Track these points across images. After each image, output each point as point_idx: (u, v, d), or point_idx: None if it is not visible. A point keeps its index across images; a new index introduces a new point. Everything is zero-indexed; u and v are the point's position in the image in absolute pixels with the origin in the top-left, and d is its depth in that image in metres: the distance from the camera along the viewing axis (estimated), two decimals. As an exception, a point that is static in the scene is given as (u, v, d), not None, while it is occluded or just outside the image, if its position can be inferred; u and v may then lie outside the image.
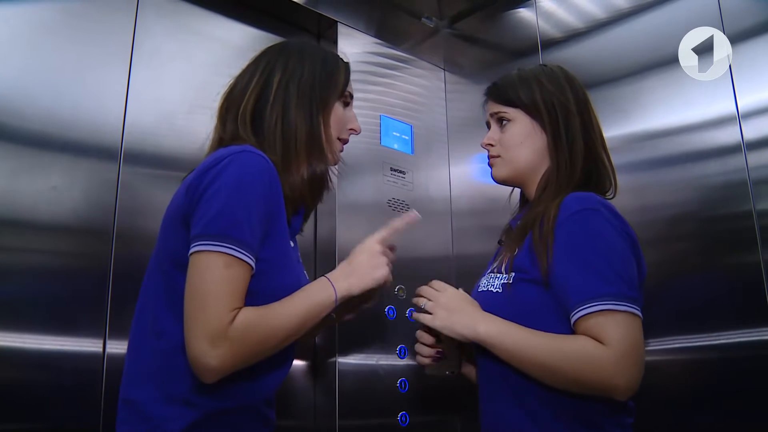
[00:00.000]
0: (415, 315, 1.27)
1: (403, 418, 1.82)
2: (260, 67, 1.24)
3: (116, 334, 1.43)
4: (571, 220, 1.13)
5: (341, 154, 1.33)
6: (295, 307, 1.09)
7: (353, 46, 2.06)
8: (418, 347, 1.33)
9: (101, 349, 1.43)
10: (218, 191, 1.03)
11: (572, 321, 1.08)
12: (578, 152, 1.24)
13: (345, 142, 1.32)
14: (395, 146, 2.08)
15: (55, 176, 1.43)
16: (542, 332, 1.10)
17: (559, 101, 1.27)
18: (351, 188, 1.91)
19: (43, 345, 1.36)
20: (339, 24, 2.03)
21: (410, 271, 1.95)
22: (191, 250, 1.02)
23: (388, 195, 2.01)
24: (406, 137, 2.13)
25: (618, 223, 1.13)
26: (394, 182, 2.04)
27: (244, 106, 1.20)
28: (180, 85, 1.70)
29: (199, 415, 1.04)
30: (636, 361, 1.04)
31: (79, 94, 1.50)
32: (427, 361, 1.32)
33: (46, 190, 1.41)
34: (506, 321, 1.14)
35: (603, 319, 1.04)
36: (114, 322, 1.44)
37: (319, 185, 1.23)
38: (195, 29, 1.80)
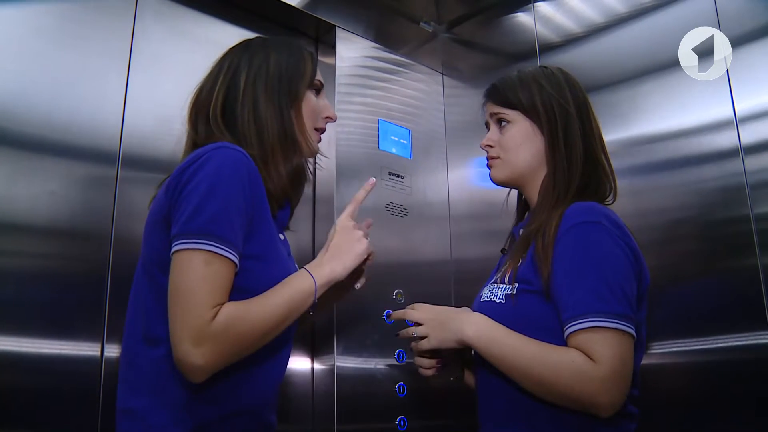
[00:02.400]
0: (413, 345, 1.28)
1: (402, 423, 1.81)
2: (225, 67, 1.24)
3: (114, 337, 1.43)
4: (571, 233, 1.12)
5: (319, 144, 1.32)
6: (277, 298, 1.07)
7: (352, 50, 2.06)
8: (419, 360, 1.32)
9: (99, 353, 1.43)
10: (195, 189, 1.03)
11: (565, 335, 1.08)
12: (577, 156, 1.23)
13: (322, 131, 1.31)
14: (393, 150, 2.08)
15: (54, 180, 1.43)
16: (534, 340, 1.10)
17: (558, 104, 1.26)
18: (349, 192, 1.91)
19: (40, 349, 1.35)
20: (337, 28, 2.03)
21: (408, 276, 1.96)
22: (172, 250, 1.01)
23: (387, 199, 2.01)
24: (405, 141, 2.13)
25: (619, 234, 1.12)
26: (392, 186, 2.04)
27: (213, 108, 1.19)
28: (178, 89, 1.68)
29: (201, 420, 1.04)
30: (622, 380, 1.04)
31: (77, 99, 1.50)
32: (429, 372, 1.32)
33: (44, 194, 1.41)
34: (496, 323, 1.14)
35: (593, 336, 1.04)
36: (112, 325, 1.43)
37: (298, 178, 1.23)
38: (193, 33, 1.80)
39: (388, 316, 1.28)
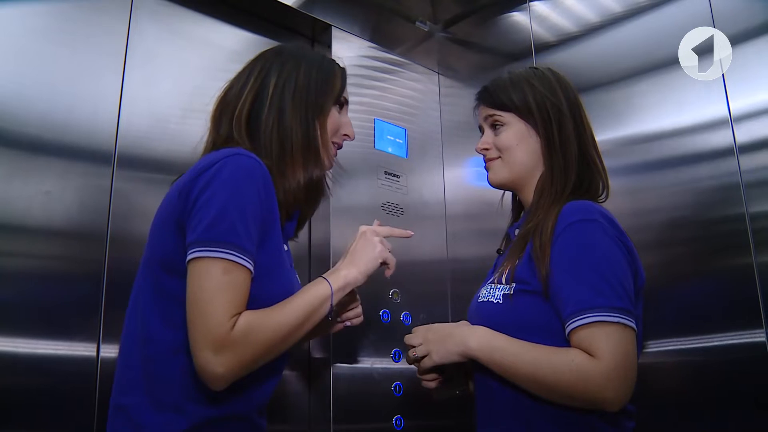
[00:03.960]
0: (417, 364, 1.27)
1: (398, 422, 1.82)
2: (256, 71, 1.23)
3: (110, 338, 1.42)
4: (568, 231, 1.12)
5: (335, 158, 1.32)
6: (294, 305, 1.08)
7: (347, 49, 2.06)
8: (424, 382, 1.32)
9: (95, 353, 1.42)
10: (213, 196, 1.03)
11: (566, 333, 1.08)
12: (572, 155, 1.23)
13: (339, 147, 1.32)
14: (389, 150, 2.09)
15: (49, 180, 1.43)
16: (534, 344, 1.10)
17: (551, 103, 1.26)
18: (345, 192, 1.91)
19: (36, 349, 1.35)
20: (333, 28, 2.04)
21: (405, 275, 1.95)
22: (189, 257, 1.01)
23: (383, 199, 2.01)
24: (401, 141, 2.13)
25: (615, 233, 1.13)
26: (388, 186, 2.04)
27: (239, 110, 1.19)
28: (174, 89, 1.70)
29: (191, 423, 1.03)
30: (626, 373, 1.04)
31: (73, 99, 1.50)
32: (433, 384, 1.32)
33: (39, 194, 1.41)
34: (497, 333, 1.14)
35: (594, 331, 1.04)
36: (108, 326, 1.43)
37: (315, 191, 1.23)
38: (189, 33, 1.80)
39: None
